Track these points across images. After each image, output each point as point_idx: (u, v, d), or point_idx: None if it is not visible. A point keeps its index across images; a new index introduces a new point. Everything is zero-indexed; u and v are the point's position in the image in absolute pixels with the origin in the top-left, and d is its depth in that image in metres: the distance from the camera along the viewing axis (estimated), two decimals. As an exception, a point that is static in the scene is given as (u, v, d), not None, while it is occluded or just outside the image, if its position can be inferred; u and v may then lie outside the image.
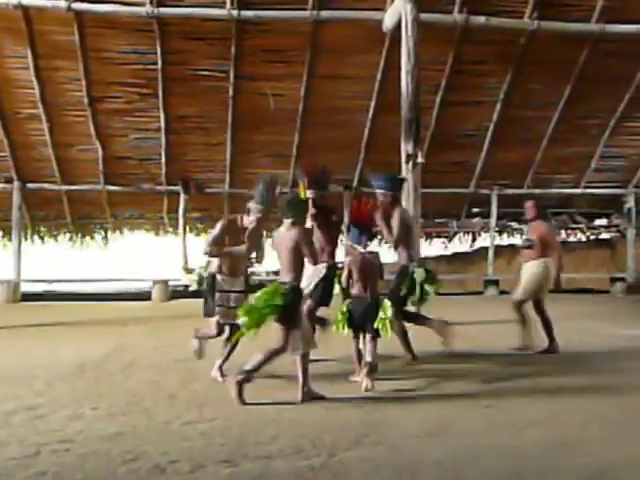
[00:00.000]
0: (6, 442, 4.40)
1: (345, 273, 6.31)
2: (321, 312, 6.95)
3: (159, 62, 12.18)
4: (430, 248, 16.15)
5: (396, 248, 7.09)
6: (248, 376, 5.40)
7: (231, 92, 12.73)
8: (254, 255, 6.47)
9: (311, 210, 6.75)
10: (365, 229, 6.47)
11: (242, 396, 5.32)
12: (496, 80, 13.18)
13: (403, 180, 8.33)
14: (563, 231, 15.99)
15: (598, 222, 16.07)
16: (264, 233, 7.12)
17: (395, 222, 7.00)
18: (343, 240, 9.08)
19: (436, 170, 13.53)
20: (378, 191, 7.24)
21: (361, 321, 6.10)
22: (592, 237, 16.37)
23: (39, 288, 14.72)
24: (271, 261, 6.49)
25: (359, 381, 5.93)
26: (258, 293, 5.51)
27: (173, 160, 13.77)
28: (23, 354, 7.67)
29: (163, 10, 11.40)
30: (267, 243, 6.62)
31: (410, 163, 10.08)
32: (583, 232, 16.09)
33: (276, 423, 4.84)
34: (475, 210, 15.43)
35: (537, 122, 13.96)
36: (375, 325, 5.98)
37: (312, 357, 5.74)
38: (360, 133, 13.61)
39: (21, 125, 13.14)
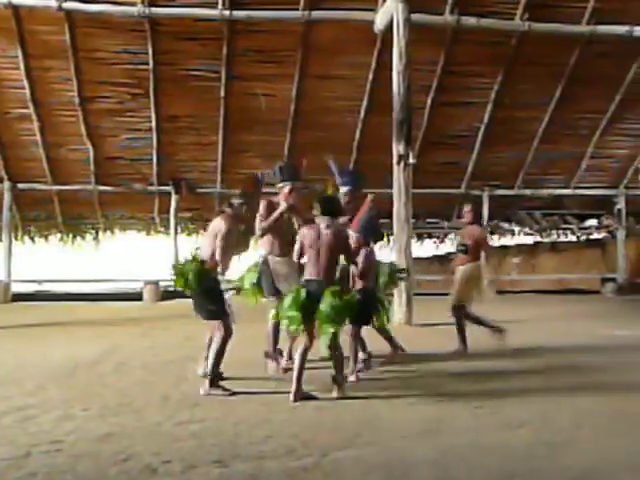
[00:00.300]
0: (-3, 443, 4.39)
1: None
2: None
3: (150, 62, 12.17)
4: (421, 248, 16.18)
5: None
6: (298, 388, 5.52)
7: (222, 92, 12.72)
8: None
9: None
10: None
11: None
12: (487, 81, 13.21)
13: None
14: (554, 232, 16.04)
15: (589, 223, 16.11)
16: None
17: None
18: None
19: (427, 171, 13.57)
20: (344, 188, 7.22)
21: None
22: (583, 238, 16.42)
23: (30, 288, 14.68)
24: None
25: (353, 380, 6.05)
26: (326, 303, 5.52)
27: (164, 160, 13.75)
28: (14, 355, 7.63)
29: (154, 10, 11.39)
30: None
31: (401, 164, 10.10)
32: (574, 233, 16.13)
33: (268, 423, 4.84)
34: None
35: (528, 123, 13.99)
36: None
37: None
38: (351, 133, 13.62)
39: (12, 125, 13.10)
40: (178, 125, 13.31)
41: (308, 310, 5.50)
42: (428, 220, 15.16)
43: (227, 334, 5.74)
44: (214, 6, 11.43)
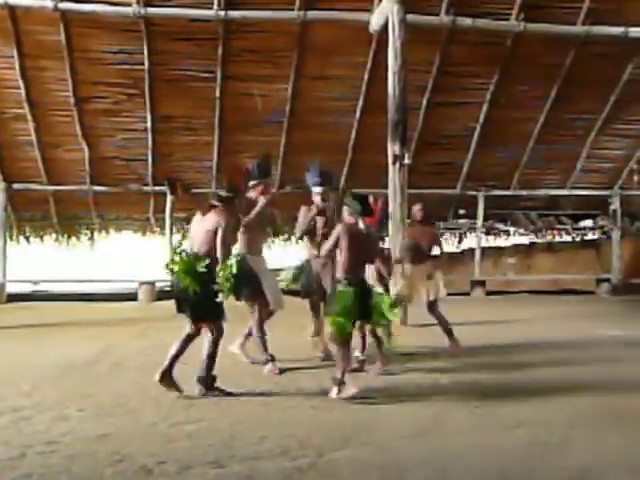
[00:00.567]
0: (-9, 444, 4.38)
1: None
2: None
3: (146, 62, 12.14)
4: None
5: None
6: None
7: (218, 93, 12.69)
8: None
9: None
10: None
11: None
12: (483, 81, 13.21)
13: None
14: (549, 232, 16.06)
15: (584, 223, 16.12)
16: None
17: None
18: None
19: (423, 171, 13.57)
20: (317, 188, 7.36)
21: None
22: (578, 238, 16.44)
23: (25, 289, 14.65)
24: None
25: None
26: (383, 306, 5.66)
27: (160, 160, 13.72)
28: (9, 355, 7.63)
29: (150, 10, 11.36)
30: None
31: (397, 164, 10.10)
32: (569, 233, 16.14)
33: (264, 424, 4.84)
34: (462, 211, 15.45)
35: (524, 123, 14.00)
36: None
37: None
38: (347, 134, 13.60)
39: (7, 125, 13.05)
40: (173, 125, 13.28)
41: (357, 311, 5.63)
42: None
43: (219, 335, 5.72)
44: (209, 6, 11.42)
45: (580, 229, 16.10)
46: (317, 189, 7.31)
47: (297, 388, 5.93)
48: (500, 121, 13.72)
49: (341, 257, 5.75)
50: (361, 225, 5.80)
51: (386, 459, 4.13)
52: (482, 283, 14.67)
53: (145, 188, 14.13)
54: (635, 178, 15.07)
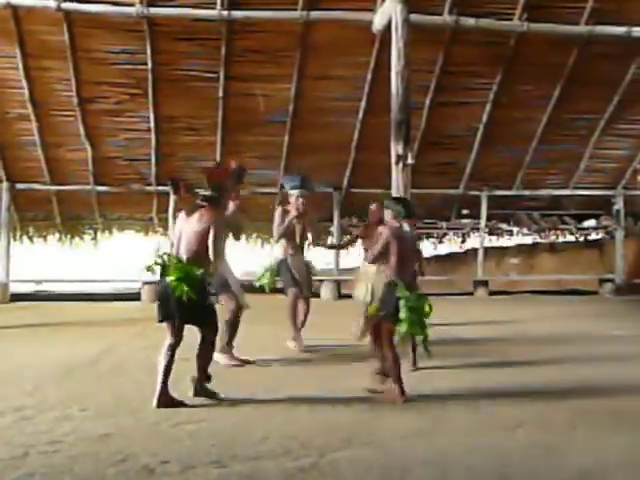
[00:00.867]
0: (-6, 443, 4.39)
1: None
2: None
3: (149, 62, 12.16)
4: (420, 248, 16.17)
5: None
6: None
7: (221, 93, 12.71)
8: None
9: None
10: None
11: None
12: (486, 81, 13.20)
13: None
14: (552, 232, 16.04)
15: (587, 223, 16.10)
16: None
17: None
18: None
19: (426, 171, 13.57)
20: (297, 192, 7.85)
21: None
22: (581, 238, 16.42)
23: (28, 288, 14.67)
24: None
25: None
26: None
27: (163, 160, 13.73)
28: (11, 355, 7.63)
29: (153, 10, 11.38)
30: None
31: (400, 164, 10.10)
32: (572, 233, 16.12)
33: (266, 424, 4.84)
34: (465, 211, 15.45)
35: (526, 123, 13.99)
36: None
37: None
38: (350, 134, 13.61)
39: (10, 125, 13.08)
40: (176, 125, 13.29)
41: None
42: (426, 220, 15.12)
43: (215, 335, 5.67)
44: (212, 6, 11.43)
45: (583, 229, 16.07)
46: (296, 192, 7.82)
47: (297, 389, 5.92)
48: (503, 121, 13.71)
49: (391, 261, 5.69)
50: (406, 227, 5.81)
51: (387, 459, 4.13)
52: (485, 283, 14.67)
53: (148, 188, 14.15)
54: (638, 178, 15.05)
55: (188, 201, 5.80)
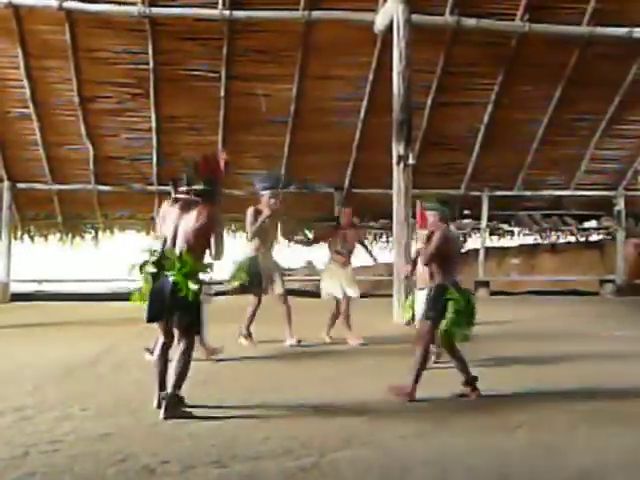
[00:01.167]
0: (-6, 443, 4.39)
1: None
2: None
3: (151, 62, 12.15)
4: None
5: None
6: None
7: (222, 92, 12.70)
8: None
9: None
10: None
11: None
12: (487, 82, 13.19)
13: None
14: (553, 232, 16.03)
15: (588, 224, 16.09)
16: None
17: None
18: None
19: (427, 171, 13.54)
20: (268, 192, 8.07)
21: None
22: (582, 239, 16.40)
23: (29, 288, 14.65)
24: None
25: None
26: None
27: (164, 160, 13.72)
28: (11, 354, 7.63)
29: (155, 10, 11.39)
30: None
31: (401, 164, 10.11)
32: (573, 234, 16.11)
33: (266, 424, 4.84)
34: (466, 212, 15.44)
35: (528, 124, 13.98)
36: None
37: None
38: (351, 134, 13.60)
39: (12, 124, 13.08)
40: (178, 125, 13.29)
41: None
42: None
43: (192, 345, 5.28)
44: (214, 6, 11.43)
45: (584, 230, 16.05)
46: (267, 192, 8.04)
47: (298, 389, 5.93)
48: (504, 121, 13.70)
49: (443, 263, 5.69)
50: (452, 228, 5.85)
51: (388, 459, 4.14)
52: (486, 283, 14.64)
53: (149, 187, 14.14)
54: (639, 179, 15.04)
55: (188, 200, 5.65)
